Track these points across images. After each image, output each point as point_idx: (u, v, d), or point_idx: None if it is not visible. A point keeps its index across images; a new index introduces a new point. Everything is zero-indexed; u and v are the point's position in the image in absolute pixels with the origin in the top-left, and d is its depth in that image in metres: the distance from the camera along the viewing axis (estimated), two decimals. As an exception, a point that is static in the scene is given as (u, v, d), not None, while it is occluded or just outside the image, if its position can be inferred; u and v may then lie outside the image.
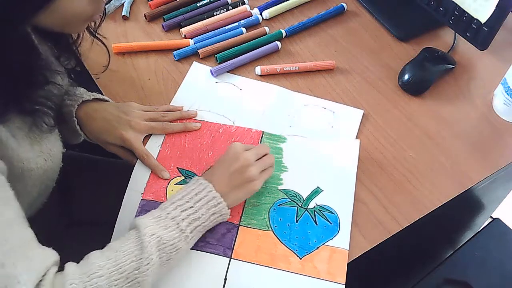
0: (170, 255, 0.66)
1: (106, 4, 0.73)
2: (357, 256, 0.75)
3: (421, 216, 0.80)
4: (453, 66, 0.99)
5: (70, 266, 0.62)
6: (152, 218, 0.68)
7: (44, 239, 0.88)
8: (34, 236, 0.62)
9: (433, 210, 0.81)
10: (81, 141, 0.88)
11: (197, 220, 0.69)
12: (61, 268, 0.62)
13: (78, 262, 0.64)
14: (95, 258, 0.63)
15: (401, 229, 0.78)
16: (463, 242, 1.10)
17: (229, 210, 0.73)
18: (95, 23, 0.79)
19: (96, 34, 0.82)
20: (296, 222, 0.77)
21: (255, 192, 0.76)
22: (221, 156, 0.77)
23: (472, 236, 1.11)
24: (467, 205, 1.09)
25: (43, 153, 0.73)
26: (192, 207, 0.70)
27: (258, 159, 0.76)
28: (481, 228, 1.14)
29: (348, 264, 0.74)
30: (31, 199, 0.76)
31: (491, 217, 1.35)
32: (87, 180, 1.00)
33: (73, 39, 0.80)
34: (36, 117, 0.69)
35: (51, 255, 0.62)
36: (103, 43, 0.85)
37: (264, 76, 0.98)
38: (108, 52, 0.88)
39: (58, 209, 0.96)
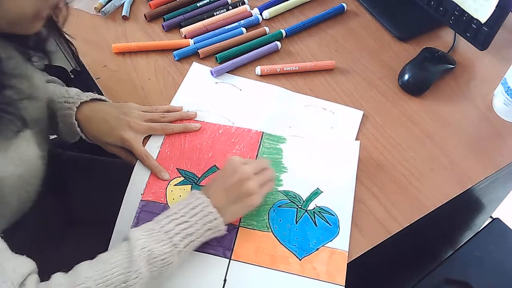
0: (161, 269, 0.65)
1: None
2: (357, 256, 0.75)
3: (421, 216, 0.80)
4: (453, 66, 0.99)
5: (57, 276, 0.61)
6: (145, 231, 0.66)
7: (44, 239, 0.89)
8: (6, 247, 0.60)
9: (433, 210, 0.81)
10: (77, 139, 0.87)
11: (191, 235, 0.67)
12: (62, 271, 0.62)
13: (78, 262, 0.64)
14: (83, 269, 0.62)
15: (401, 229, 0.78)
16: (463, 242, 1.10)
17: (226, 226, 0.71)
18: (59, 21, 0.75)
19: (64, 34, 0.79)
20: (296, 223, 0.77)
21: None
22: (220, 170, 0.75)
23: (472, 236, 1.11)
24: (467, 205, 1.09)
25: (12, 159, 0.69)
26: (187, 221, 0.68)
27: (257, 173, 0.74)
28: (481, 228, 1.14)
29: (348, 264, 0.74)
30: (11, 207, 0.73)
31: (491, 217, 1.35)
32: (87, 180, 1.00)
33: (40, 38, 0.75)
34: None
35: (26, 263, 0.60)
36: (70, 42, 0.81)
37: (264, 76, 0.98)
38: (73, 54, 0.83)
39: (58, 209, 0.96)
